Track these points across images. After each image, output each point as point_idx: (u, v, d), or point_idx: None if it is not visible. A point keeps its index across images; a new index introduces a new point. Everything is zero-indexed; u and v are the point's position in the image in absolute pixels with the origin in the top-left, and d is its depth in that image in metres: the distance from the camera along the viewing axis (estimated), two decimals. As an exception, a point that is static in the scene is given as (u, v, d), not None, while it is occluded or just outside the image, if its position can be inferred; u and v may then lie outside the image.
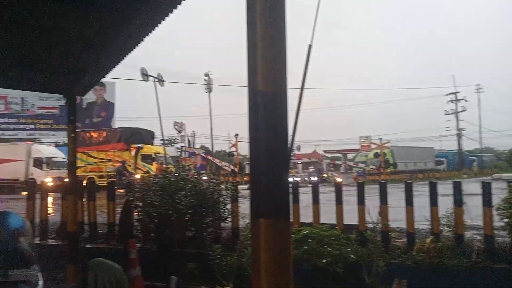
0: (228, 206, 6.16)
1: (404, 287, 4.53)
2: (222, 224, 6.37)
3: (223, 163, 32.87)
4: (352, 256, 4.95)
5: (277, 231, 1.47)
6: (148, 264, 5.16)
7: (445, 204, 5.60)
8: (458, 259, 4.87)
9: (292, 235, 5.20)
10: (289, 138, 1.70)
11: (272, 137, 1.46)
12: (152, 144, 25.41)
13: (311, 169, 36.96)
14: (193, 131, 42.87)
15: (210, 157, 31.94)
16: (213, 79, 39.76)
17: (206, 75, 41.24)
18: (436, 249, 4.91)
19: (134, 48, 3.57)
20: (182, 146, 35.09)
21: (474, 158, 45.17)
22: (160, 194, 5.51)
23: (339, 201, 5.92)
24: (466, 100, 42.37)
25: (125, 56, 3.80)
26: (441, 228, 5.36)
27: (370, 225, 5.71)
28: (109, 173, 22.54)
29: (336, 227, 5.62)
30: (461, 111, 42.16)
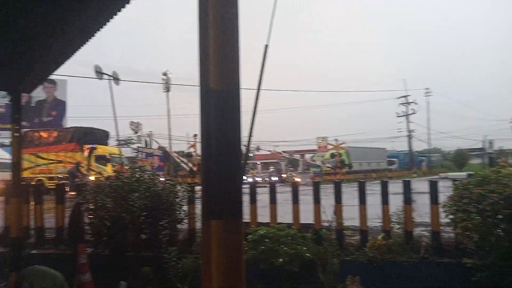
0: (185, 208, 6.06)
1: (357, 283, 4.67)
2: (179, 226, 6.25)
3: (183, 159, 32.25)
4: (307, 254, 5.03)
5: (229, 232, 1.45)
6: (100, 269, 4.94)
7: (396, 202, 5.84)
8: (407, 254, 5.09)
9: (249, 236, 5.20)
10: (245, 139, 1.69)
11: (224, 137, 1.43)
12: (106, 144, 24.47)
13: (272, 169, 37.33)
14: (151, 131, 41.83)
15: (173, 154, 31.16)
16: (172, 78, 39.04)
17: (164, 74, 40.46)
18: (387, 245, 5.10)
19: (84, 43, 3.41)
20: (138, 147, 34.13)
21: (423, 158, 47.65)
22: (113, 196, 5.30)
23: (295, 200, 6.00)
24: (416, 103, 44.61)
25: (75, 52, 3.62)
26: (392, 225, 5.57)
27: (326, 224, 5.85)
28: (59, 175, 21.46)
29: (293, 227, 5.69)
30: (411, 114, 44.30)
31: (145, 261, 5.48)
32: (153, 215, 5.40)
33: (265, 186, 10.42)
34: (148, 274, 5.28)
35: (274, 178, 29.66)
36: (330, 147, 37.63)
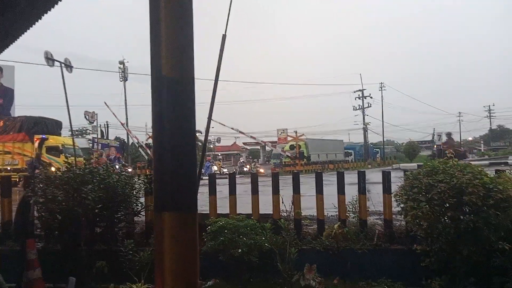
0: (142, 200, 5.91)
1: (314, 271, 4.79)
2: (136, 219, 6.09)
3: (142, 150, 31.31)
4: (266, 244, 5.08)
5: (183, 224, 1.41)
6: (50, 264, 4.72)
7: (352, 192, 6.02)
8: (362, 242, 5.28)
9: (208, 227, 5.17)
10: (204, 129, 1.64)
11: (178, 125, 1.38)
12: (59, 135, 23.29)
13: (242, 160, 37.39)
14: (107, 122, 40.34)
15: (136, 139, 30.08)
16: (130, 67, 37.73)
17: (121, 63, 39.05)
18: (342, 234, 5.26)
19: (28, 27, 3.19)
20: (94, 138, 32.81)
21: (377, 150, 49.58)
22: (64, 188, 5.06)
23: (255, 191, 6.02)
24: (371, 97, 46.13)
25: (17, 37, 3.38)
26: (347, 214, 5.74)
27: (284, 214, 5.92)
28: (8, 167, 20.20)
29: (252, 217, 5.71)
30: (366, 107, 45.77)
31: (100, 255, 5.29)
32: (108, 207, 5.21)
33: (226, 178, 10.40)
34: (103, 268, 5.11)
35: (246, 169, 30.31)
36: (289, 139, 38.19)
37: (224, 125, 27.93)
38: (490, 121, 64.26)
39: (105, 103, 27.46)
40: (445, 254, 4.32)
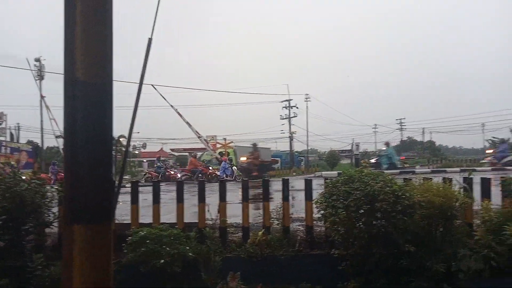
0: (55, 209, 5.45)
1: (238, 278, 4.81)
2: (47, 230, 5.60)
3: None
4: (190, 254, 4.99)
5: (95, 237, 1.33)
6: None
7: (277, 199, 6.18)
8: (284, 248, 5.42)
9: (129, 238, 4.94)
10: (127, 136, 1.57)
11: (93, 132, 1.31)
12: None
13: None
14: (18, 124, 36.74)
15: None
16: (48, 66, 34.81)
17: (37, 60, 35.93)
18: (266, 241, 5.36)
19: None
20: (1, 141, 29.66)
21: (302, 158, 51.63)
22: (-39, 198, 4.49)
23: (180, 199, 5.89)
24: (297, 107, 48.08)
25: None
26: (271, 221, 5.87)
27: (210, 222, 5.88)
28: None
29: (176, 226, 5.58)
30: (293, 117, 47.62)
31: (3, 271, 4.76)
32: (14, 218, 4.73)
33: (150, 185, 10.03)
34: (6, 286, 4.61)
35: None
36: (218, 146, 38.15)
37: (190, 125, 27.07)
38: (401, 133, 70.60)
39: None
40: (359, 257, 4.61)
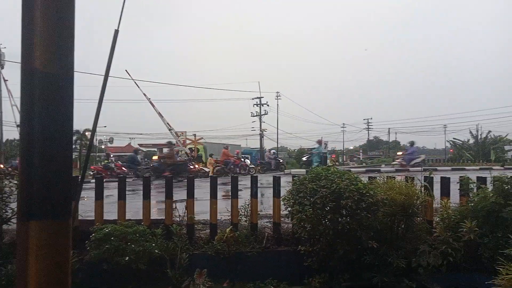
0: (14, 205, 5.22)
1: (204, 275, 4.78)
2: (5, 227, 5.37)
3: None
4: (156, 251, 4.92)
5: (52, 234, 1.28)
6: None
7: (246, 196, 6.19)
8: (252, 245, 5.45)
9: (93, 235, 4.80)
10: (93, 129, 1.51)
11: (51, 125, 1.25)
12: None
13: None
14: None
15: None
16: (7, 54, 33.09)
17: (-4, 47, 34.08)
18: (234, 237, 5.36)
19: None
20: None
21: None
22: None
23: (146, 196, 5.79)
24: (268, 105, 48.30)
25: None
26: (239, 218, 5.88)
27: (177, 219, 5.82)
28: None
29: (142, 223, 5.48)
30: (263, 114, 47.79)
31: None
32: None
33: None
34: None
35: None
36: (188, 142, 37.72)
37: (162, 116, 26.49)
38: (368, 132, 72.48)
39: None
40: (325, 253, 4.70)
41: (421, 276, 4.59)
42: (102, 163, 24.00)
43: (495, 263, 3.56)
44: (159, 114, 27.91)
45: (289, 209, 4.90)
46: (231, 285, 5.14)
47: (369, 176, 5.67)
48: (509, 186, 4.67)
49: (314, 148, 23.57)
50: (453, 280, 4.60)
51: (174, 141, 29.01)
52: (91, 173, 22.71)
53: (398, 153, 27.32)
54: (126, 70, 22.82)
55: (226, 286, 5.10)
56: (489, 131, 43.64)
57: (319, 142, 24.16)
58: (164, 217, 5.87)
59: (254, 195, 5.90)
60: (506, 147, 41.19)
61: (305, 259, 4.90)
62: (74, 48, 1.29)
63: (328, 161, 22.76)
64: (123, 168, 22.76)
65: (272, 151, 34.64)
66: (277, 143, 48.56)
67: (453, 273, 4.60)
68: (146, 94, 25.96)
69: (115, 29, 2.63)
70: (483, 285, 3.48)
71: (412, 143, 24.74)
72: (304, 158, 22.46)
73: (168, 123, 29.10)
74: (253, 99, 47.75)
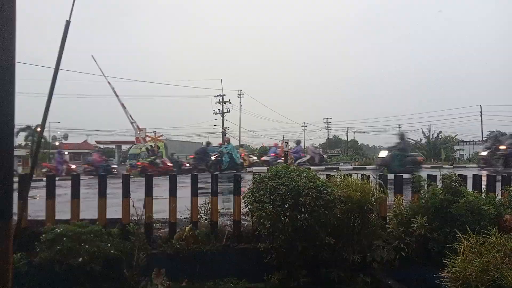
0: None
1: (162, 275, 4.70)
2: None
3: None
4: (112, 251, 4.76)
5: (-9, 235, 1.20)
6: None
7: (206, 194, 6.13)
8: (212, 243, 5.41)
9: (43, 235, 4.58)
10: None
11: (-12, 120, 1.17)
12: None
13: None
14: None
15: None
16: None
17: None
18: (193, 236, 5.30)
19: None
20: None
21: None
22: None
23: (102, 194, 5.58)
24: (230, 103, 48.30)
25: None
26: (199, 216, 5.82)
27: (135, 218, 5.66)
28: None
29: (97, 222, 5.29)
30: (226, 112, 47.73)
31: None
32: None
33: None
34: None
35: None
36: (148, 139, 36.86)
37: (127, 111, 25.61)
38: (328, 131, 74.32)
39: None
40: (283, 250, 4.76)
41: (376, 270, 4.77)
42: (148, 159, 22.99)
43: (443, 256, 3.76)
44: (122, 105, 27.12)
45: (249, 206, 4.91)
46: (190, 284, 5.08)
47: (327, 174, 5.80)
48: (456, 183, 4.95)
49: (222, 147, 21.85)
50: (405, 273, 4.81)
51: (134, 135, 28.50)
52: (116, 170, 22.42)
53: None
54: (92, 56, 22.03)
55: (185, 285, 5.03)
56: (440, 131, 46.12)
57: (227, 141, 23.25)
58: (120, 216, 5.69)
59: (214, 193, 5.86)
60: (455, 147, 43.75)
61: (264, 256, 4.93)
62: (15, 38, 1.22)
63: (238, 159, 21.28)
64: (169, 164, 22.33)
65: (315, 145, 33.99)
66: (240, 141, 48.66)
67: (405, 267, 4.81)
68: (111, 82, 25.19)
69: (66, 20, 2.50)
70: (432, 278, 3.66)
71: (298, 142, 24.75)
72: (212, 158, 20.93)
73: (130, 116, 28.39)
74: (215, 96, 47.53)
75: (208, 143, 23.91)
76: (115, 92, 26.87)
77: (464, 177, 5.51)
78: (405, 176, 6.26)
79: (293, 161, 21.61)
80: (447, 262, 3.58)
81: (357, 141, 74.00)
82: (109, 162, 25.56)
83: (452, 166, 23.80)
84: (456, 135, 46.74)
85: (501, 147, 17.24)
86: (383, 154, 16.19)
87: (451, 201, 4.75)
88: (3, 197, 1.22)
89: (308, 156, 24.23)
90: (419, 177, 5.57)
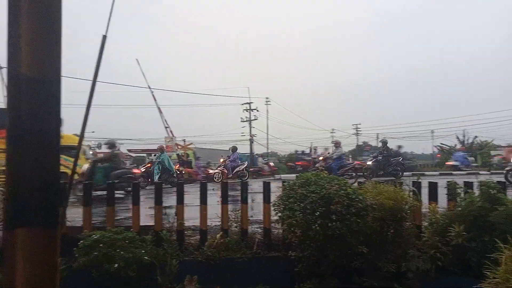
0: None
1: (195, 282, 4.75)
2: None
3: None
4: (146, 257, 4.87)
5: (40, 242, 1.27)
6: None
7: (236, 202, 6.17)
8: (242, 251, 5.43)
9: (81, 242, 4.74)
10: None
11: (37, 131, 1.25)
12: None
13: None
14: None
15: None
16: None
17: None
18: (224, 243, 5.34)
19: None
20: None
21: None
22: None
23: (135, 202, 5.74)
24: (258, 110, 48.44)
25: None
26: (230, 224, 5.86)
27: (167, 225, 5.77)
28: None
29: (132, 229, 5.43)
30: (253, 120, 47.90)
31: None
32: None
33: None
34: None
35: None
36: (178, 147, 37.57)
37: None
38: (357, 137, 73.09)
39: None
40: (314, 258, 4.71)
41: (411, 280, 4.62)
42: (202, 164, 22.94)
43: (483, 267, 3.60)
44: (159, 109, 27.82)
45: (279, 214, 4.90)
46: (221, 291, 5.11)
47: (358, 182, 5.71)
48: (495, 191, 4.74)
49: (156, 155, 18.49)
50: (442, 284, 4.64)
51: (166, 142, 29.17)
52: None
53: (221, 160, 21.34)
54: (136, 59, 23.01)
55: (216, 293, 5.06)
56: (475, 136, 44.35)
57: (161, 149, 18.58)
58: (153, 224, 5.82)
59: (244, 200, 5.89)
60: (492, 152, 41.89)
61: (295, 264, 4.89)
62: (61, 53, 1.29)
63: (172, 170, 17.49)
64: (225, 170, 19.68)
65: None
66: (267, 148, 48.68)
67: (441, 277, 4.64)
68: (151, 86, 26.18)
69: (103, 35, 2.62)
70: (471, 288, 3.52)
71: (234, 149, 20.40)
72: (142, 169, 16.98)
73: (165, 120, 29.11)
74: (242, 104, 47.83)
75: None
76: (154, 96, 27.64)
77: (503, 184, 5.28)
78: (405, 177, 6.01)
79: (226, 171, 18.90)
80: (487, 273, 3.43)
81: (389, 146, 72.32)
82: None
83: (489, 172, 22.81)
84: (493, 140, 44.82)
85: None
86: (369, 162, 17.49)
87: (490, 209, 4.55)
88: (51, 202, 1.28)
89: (246, 164, 21.16)
90: (455, 184, 5.38)
